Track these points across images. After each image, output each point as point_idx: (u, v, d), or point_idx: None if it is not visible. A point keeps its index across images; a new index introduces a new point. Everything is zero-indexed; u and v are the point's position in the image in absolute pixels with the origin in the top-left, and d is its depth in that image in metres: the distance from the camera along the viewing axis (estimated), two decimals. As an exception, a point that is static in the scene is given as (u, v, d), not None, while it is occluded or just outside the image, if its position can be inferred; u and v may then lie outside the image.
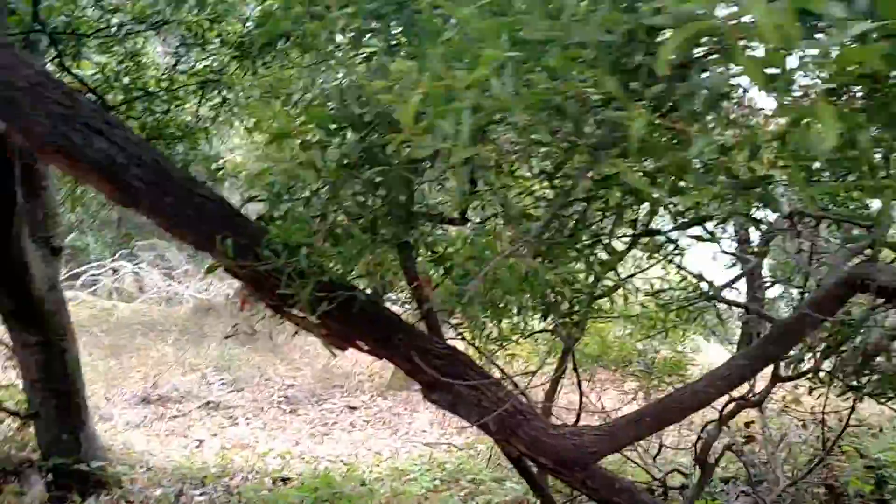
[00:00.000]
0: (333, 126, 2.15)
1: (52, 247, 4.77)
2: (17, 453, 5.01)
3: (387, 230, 2.20)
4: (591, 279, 2.92)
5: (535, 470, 3.75)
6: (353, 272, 2.79)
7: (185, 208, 2.50)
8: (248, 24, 4.49)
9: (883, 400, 3.37)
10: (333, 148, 2.16)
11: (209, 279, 18.89)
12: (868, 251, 2.95)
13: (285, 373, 10.97)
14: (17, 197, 4.01)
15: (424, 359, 3.07)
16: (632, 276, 3.33)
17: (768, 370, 3.54)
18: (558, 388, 4.52)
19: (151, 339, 12.12)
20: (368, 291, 2.77)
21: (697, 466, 4.07)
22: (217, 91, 4.61)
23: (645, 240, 2.72)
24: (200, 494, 5.82)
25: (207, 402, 9.17)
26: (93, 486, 5.32)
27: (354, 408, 9.60)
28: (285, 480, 6.38)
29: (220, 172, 5.15)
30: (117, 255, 17.92)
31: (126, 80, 4.54)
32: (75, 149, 2.27)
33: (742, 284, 6.36)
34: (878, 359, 3.28)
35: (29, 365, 4.87)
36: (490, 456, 7.19)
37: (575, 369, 4.44)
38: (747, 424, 5.32)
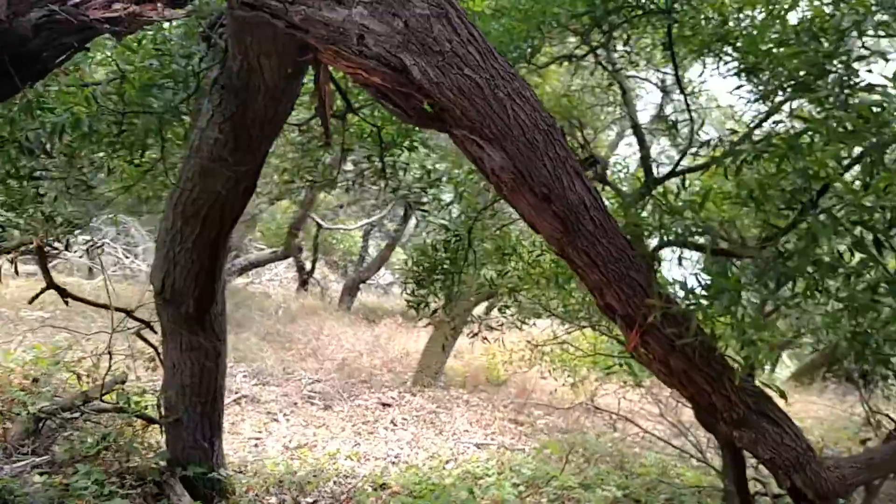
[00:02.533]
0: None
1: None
2: (156, 462, 4.75)
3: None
4: None
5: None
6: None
7: (610, 251, 2.49)
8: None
9: None
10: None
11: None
12: None
13: (303, 366, 10.74)
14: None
15: (738, 395, 3.16)
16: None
17: None
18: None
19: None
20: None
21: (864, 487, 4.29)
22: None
23: None
24: (313, 503, 5.69)
25: (242, 396, 8.89)
26: (218, 493, 5.14)
27: (387, 405, 9.52)
28: (384, 486, 6.30)
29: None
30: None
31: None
32: (557, 191, 2.24)
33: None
34: None
35: (184, 369, 4.64)
36: (566, 460, 7.31)
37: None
38: (863, 441, 5.63)
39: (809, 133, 2.68)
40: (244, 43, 2.77)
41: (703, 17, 3.71)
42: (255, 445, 7.51)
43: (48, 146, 2.63)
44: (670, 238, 2.92)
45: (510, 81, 2.01)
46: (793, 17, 3.74)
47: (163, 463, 4.84)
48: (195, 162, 3.44)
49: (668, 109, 5.60)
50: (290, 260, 17.26)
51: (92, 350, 5.13)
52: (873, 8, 2.43)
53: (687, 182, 4.33)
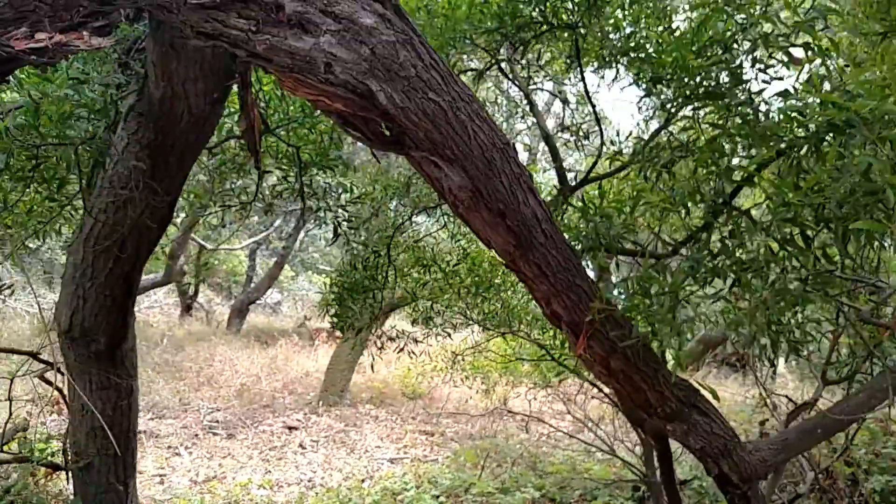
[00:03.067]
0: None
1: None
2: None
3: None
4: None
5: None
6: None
7: (559, 261, 2.58)
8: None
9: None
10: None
11: (42, 292, 17.06)
12: None
13: (200, 396, 10.33)
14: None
15: (671, 391, 3.33)
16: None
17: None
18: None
19: (16, 362, 10.79)
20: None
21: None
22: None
23: None
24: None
25: (139, 431, 8.44)
26: (134, 537, 4.88)
27: (293, 427, 9.32)
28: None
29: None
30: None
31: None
32: (513, 206, 2.30)
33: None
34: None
35: (95, 410, 4.37)
36: (482, 467, 7.41)
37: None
38: (762, 423, 6.02)
39: (725, 138, 2.88)
40: (169, 68, 2.66)
41: (604, 31, 3.89)
42: (161, 482, 7.19)
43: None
44: (602, 243, 3.04)
45: (469, 103, 2.04)
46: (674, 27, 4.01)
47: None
48: (109, 193, 3.26)
49: (561, 118, 5.84)
50: (170, 285, 16.54)
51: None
52: (778, 24, 2.63)
53: (596, 188, 4.49)
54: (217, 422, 9.26)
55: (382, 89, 1.85)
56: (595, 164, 4.01)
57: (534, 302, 5.47)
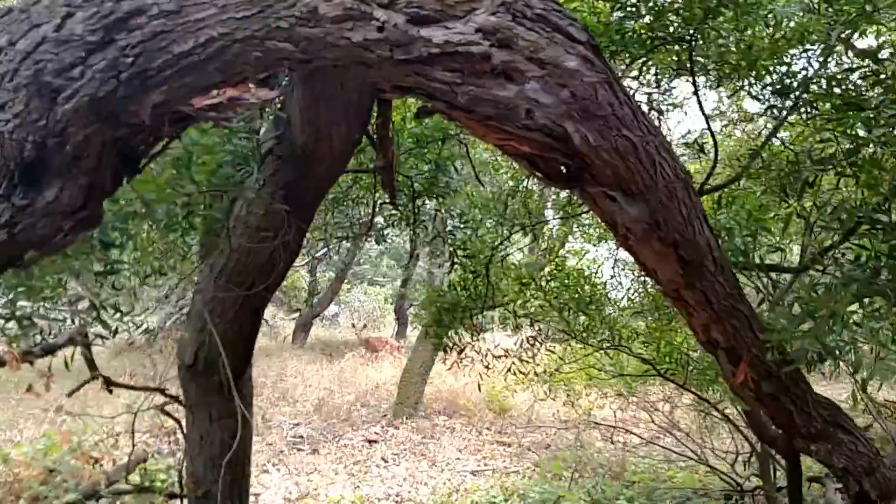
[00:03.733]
0: None
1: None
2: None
3: None
4: None
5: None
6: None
7: (725, 287, 2.53)
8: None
9: None
10: None
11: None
12: None
13: (280, 411, 10.45)
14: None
15: (818, 410, 3.24)
16: None
17: None
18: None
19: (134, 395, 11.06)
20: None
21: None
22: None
23: None
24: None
25: (226, 452, 8.57)
26: (249, 563, 4.93)
27: (373, 441, 9.37)
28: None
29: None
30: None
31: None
32: (688, 237, 2.27)
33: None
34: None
35: (214, 440, 4.44)
36: (571, 478, 7.35)
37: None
38: (866, 428, 5.84)
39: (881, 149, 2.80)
40: (317, 114, 2.69)
41: (717, 44, 3.81)
42: (255, 502, 7.27)
43: (120, 237, 2.48)
44: (749, 261, 2.99)
45: (656, 136, 2.02)
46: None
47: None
48: (242, 232, 3.30)
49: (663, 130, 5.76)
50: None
51: (107, 431, 4.86)
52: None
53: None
54: (300, 437, 9.35)
55: (578, 130, 1.84)
56: (709, 175, 3.95)
57: (632, 317, 5.43)
